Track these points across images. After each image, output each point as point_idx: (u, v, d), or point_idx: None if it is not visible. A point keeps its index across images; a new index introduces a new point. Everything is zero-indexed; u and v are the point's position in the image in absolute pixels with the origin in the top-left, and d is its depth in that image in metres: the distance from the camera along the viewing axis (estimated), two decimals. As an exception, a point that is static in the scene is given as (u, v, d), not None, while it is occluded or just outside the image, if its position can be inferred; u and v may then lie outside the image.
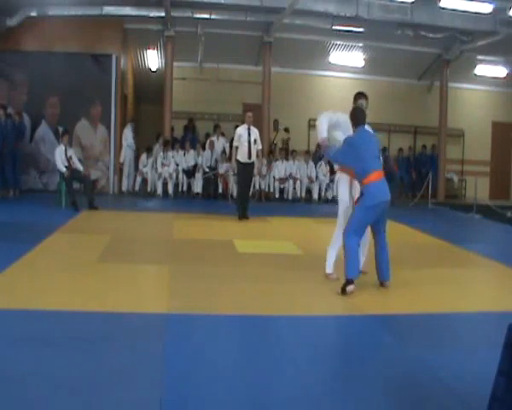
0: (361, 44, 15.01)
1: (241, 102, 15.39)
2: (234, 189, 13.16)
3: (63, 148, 10.50)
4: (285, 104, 15.32)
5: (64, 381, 3.08)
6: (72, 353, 3.50)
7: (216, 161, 13.56)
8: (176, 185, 13.57)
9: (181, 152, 13.64)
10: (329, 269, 5.61)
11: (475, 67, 16.05)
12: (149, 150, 13.55)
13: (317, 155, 14.75)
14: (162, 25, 13.58)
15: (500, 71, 16.11)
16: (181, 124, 15.12)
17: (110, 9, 12.63)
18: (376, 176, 5.12)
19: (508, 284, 5.92)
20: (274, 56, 14.44)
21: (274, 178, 13.78)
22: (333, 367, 3.62)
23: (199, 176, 13.45)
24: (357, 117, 5.31)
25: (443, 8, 12.85)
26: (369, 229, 5.42)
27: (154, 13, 13.06)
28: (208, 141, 13.86)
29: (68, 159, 10.44)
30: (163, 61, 14.96)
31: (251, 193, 11.23)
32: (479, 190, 12.84)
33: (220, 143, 13.87)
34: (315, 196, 13.99)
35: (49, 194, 12.00)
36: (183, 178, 13.61)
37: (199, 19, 13.17)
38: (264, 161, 12.90)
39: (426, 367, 3.49)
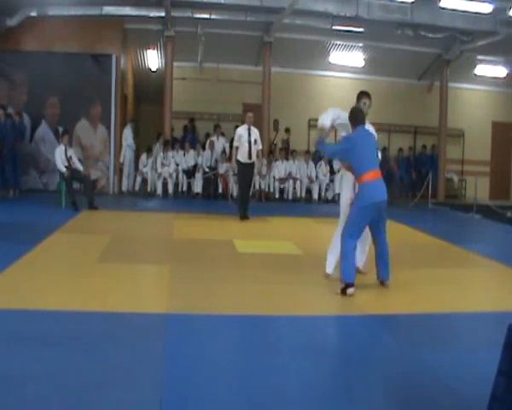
0: (361, 44, 15.00)
1: (241, 102, 15.40)
2: (234, 189, 13.17)
3: (63, 148, 10.50)
4: (285, 104, 15.32)
5: (64, 381, 3.08)
6: (72, 353, 3.50)
7: (216, 161, 13.56)
8: (176, 185, 13.57)
9: (181, 152, 13.64)
10: (329, 269, 5.61)
11: (475, 67, 16.05)
12: (149, 150, 13.56)
13: (317, 154, 14.75)
14: (162, 25, 13.58)
15: (500, 71, 16.11)
16: (181, 124, 15.12)
17: (110, 9, 12.62)
18: (372, 175, 5.11)
19: (508, 284, 5.92)
20: (274, 56, 14.44)
21: (274, 178, 13.78)
22: (333, 367, 3.62)
23: (199, 176, 13.45)
24: (356, 117, 5.32)
25: (443, 8, 12.85)
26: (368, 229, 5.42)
27: (154, 13, 13.06)
28: (208, 141, 13.86)
29: (68, 159, 10.44)
30: (163, 61, 14.96)
31: (251, 193, 11.22)
32: (479, 190, 12.84)
33: (220, 143, 13.87)
34: (315, 196, 13.99)
35: (49, 194, 12.00)
36: (183, 178, 13.62)
37: (199, 19, 13.17)
38: (264, 161, 12.90)
39: (426, 367, 3.49)
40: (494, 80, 16.54)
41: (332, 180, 14.04)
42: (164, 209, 11.29)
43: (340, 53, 15.44)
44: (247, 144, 9.63)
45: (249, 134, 9.68)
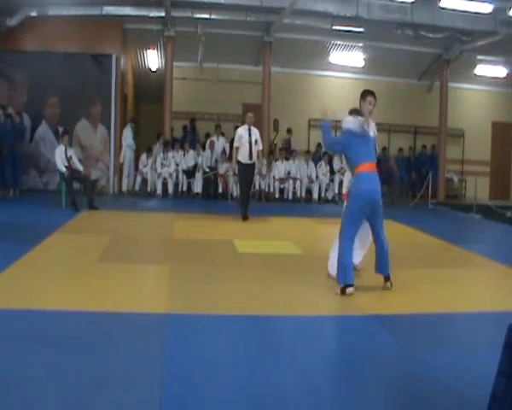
0: (361, 44, 15.01)
1: (241, 102, 15.40)
2: (234, 189, 13.17)
3: (63, 148, 10.50)
4: (285, 104, 15.32)
5: (64, 381, 3.09)
6: (72, 353, 3.50)
7: (216, 161, 13.56)
8: (176, 185, 13.57)
9: (181, 152, 13.63)
10: (332, 270, 5.59)
11: (475, 67, 16.05)
12: (149, 150, 13.55)
13: (317, 154, 14.76)
14: (162, 25, 13.59)
15: (500, 71, 16.11)
16: (181, 124, 15.11)
17: (110, 9, 12.63)
18: (367, 167, 5.14)
19: (508, 284, 5.92)
20: (274, 56, 14.44)
21: (274, 178, 13.78)
22: (333, 367, 3.62)
23: (199, 176, 13.45)
24: (357, 114, 5.39)
25: (443, 8, 12.85)
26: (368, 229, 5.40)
27: (154, 13, 13.06)
28: (208, 141, 13.86)
29: (68, 159, 10.43)
30: (163, 61, 14.97)
31: (251, 193, 11.22)
32: (479, 190, 12.84)
33: (220, 143, 13.87)
34: (315, 196, 13.99)
35: (49, 194, 12.00)
36: (183, 178, 13.62)
37: (199, 19, 13.17)
38: (264, 161, 12.90)
39: (426, 367, 3.49)
40: (494, 80, 16.54)
41: (332, 180, 14.04)
42: (164, 209, 11.29)
43: (340, 53, 15.44)
44: (247, 145, 9.62)
45: (250, 134, 9.67)
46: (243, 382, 3.22)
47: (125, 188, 13.51)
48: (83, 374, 3.19)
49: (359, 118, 5.32)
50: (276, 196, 13.82)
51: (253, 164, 9.81)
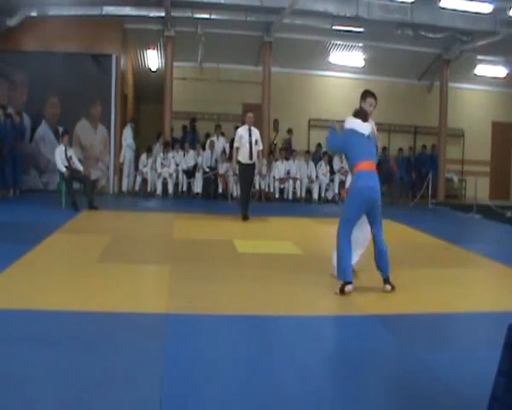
0: (361, 44, 15.01)
1: (241, 102, 15.40)
2: (234, 189, 13.18)
3: (63, 148, 10.50)
4: (285, 104, 15.32)
5: (64, 381, 3.09)
6: (72, 353, 3.50)
7: (216, 161, 13.56)
8: (176, 185, 13.57)
9: (181, 152, 13.63)
10: (335, 270, 5.56)
11: (475, 67, 16.05)
12: (149, 150, 13.56)
13: (317, 154, 14.76)
14: (162, 25, 13.59)
15: (500, 71, 16.11)
16: (181, 124, 15.11)
17: (110, 9, 12.63)
18: (366, 165, 5.14)
19: (508, 284, 5.92)
20: (274, 56, 14.44)
21: (274, 178, 13.78)
22: (333, 367, 3.62)
23: (199, 176, 13.45)
24: (359, 115, 5.38)
25: (443, 8, 12.85)
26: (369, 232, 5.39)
27: (154, 13, 13.06)
28: (208, 141, 13.86)
29: (68, 159, 10.43)
30: (163, 61, 14.97)
31: (251, 193, 11.22)
32: (479, 190, 12.84)
33: (220, 143, 13.87)
34: (315, 196, 13.98)
35: (49, 194, 12.00)
36: (183, 178, 13.61)
37: (199, 19, 13.17)
38: (264, 162, 12.89)
39: (426, 367, 3.49)
40: (494, 80, 16.54)
41: (332, 180, 14.04)
42: (164, 209, 11.29)
43: (340, 53, 15.44)
44: (247, 145, 9.62)
45: (250, 135, 9.66)
46: (243, 382, 3.22)
47: (125, 188, 13.51)
48: (83, 374, 3.19)
49: (367, 126, 5.30)
50: (276, 196, 13.82)
51: (254, 164, 9.81)
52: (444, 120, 15.38)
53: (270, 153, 14.14)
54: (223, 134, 14.13)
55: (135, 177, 13.61)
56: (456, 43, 14.47)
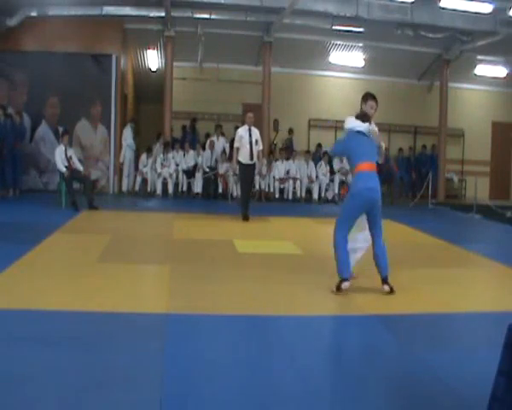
0: (361, 44, 15.01)
1: (241, 102, 15.40)
2: (234, 189, 13.17)
3: (63, 148, 10.50)
4: (285, 104, 15.32)
5: (64, 381, 3.09)
6: (72, 353, 3.50)
7: (216, 161, 13.56)
8: (176, 185, 13.57)
9: (181, 152, 13.63)
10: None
11: (475, 67, 16.05)
12: (149, 150, 13.55)
13: (317, 154, 14.76)
14: (162, 25, 13.59)
15: (500, 71, 16.11)
16: (181, 124, 15.11)
17: (110, 9, 12.63)
18: (366, 166, 5.14)
19: (508, 284, 5.92)
20: (274, 56, 14.44)
21: (274, 178, 13.78)
22: (333, 367, 3.62)
23: (199, 176, 13.45)
24: (361, 118, 5.39)
25: (443, 8, 12.85)
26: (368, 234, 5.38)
27: (154, 13, 13.06)
28: (208, 141, 13.86)
29: (68, 159, 10.43)
30: (163, 61, 14.97)
31: (251, 193, 11.22)
32: (479, 190, 12.84)
33: (220, 143, 13.87)
34: (315, 196, 13.98)
35: (49, 194, 12.00)
36: (183, 178, 13.61)
37: (199, 19, 13.17)
38: (264, 162, 12.89)
39: (426, 367, 3.49)
40: (494, 80, 16.54)
41: (332, 180, 14.04)
42: (164, 209, 11.29)
43: (340, 53, 15.44)
44: (248, 145, 9.61)
45: (250, 135, 9.66)
46: (243, 382, 3.22)
47: (125, 188, 13.51)
48: (83, 374, 3.19)
49: (365, 125, 5.30)
50: (276, 196, 13.82)
51: (254, 164, 9.81)
52: (444, 120, 15.38)
53: (270, 153, 14.14)
54: (223, 134, 14.13)
55: (135, 177, 13.61)
56: (456, 43, 14.47)
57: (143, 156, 13.53)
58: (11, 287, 4.91)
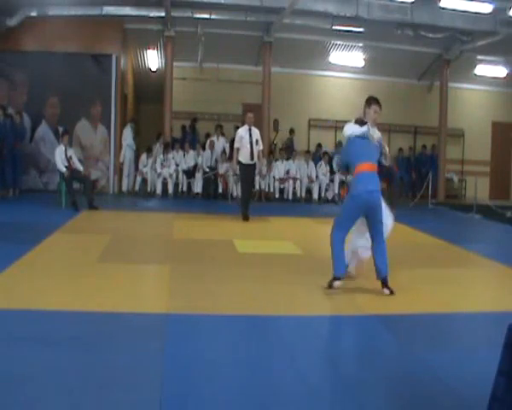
0: (361, 44, 15.00)
1: (241, 102, 15.40)
2: (234, 189, 13.17)
3: (63, 148, 10.50)
4: (285, 104, 15.32)
5: (64, 381, 3.09)
6: (72, 353, 3.50)
7: (216, 161, 13.56)
8: (176, 185, 13.56)
9: (181, 152, 13.63)
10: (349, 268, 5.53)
11: (475, 67, 16.05)
12: (149, 150, 13.55)
13: (317, 154, 14.76)
14: (162, 25, 13.58)
15: (500, 71, 16.11)
16: (181, 124, 15.11)
17: (110, 9, 12.62)
18: (365, 167, 5.12)
19: (508, 284, 5.92)
20: (274, 56, 14.44)
21: (274, 178, 13.78)
22: (333, 367, 3.62)
23: (199, 176, 13.45)
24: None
25: (443, 8, 12.85)
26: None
27: (154, 13, 13.06)
28: (208, 141, 13.86)
29: (68, 159, 10.43)
30: (163, 61, 14.96)
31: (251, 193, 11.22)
32: (479, 190, 12.84)
33: (220, 143, 13.86)
34: (315, 196, 13.98)
35: (49, 194, 12.00)
36: (183, 178, 13.61)
37: (199, 19, 13.17)
38: (264, 162, 12.89)
39: (426, 367, 3.49)
40: (494, 80, 16.54)
41: (332, 180, 14.04)
42: (164, 209, 11.29)
43: (340, 53, 15.44)
44: (248, 146, 9.61)
45: (250, 135, 9.66)
46: (243, 382, 3.22)
47: (125, 188, 13.51)
48: (83, 374, 3.19)
49: (363, 128, 5.29)
50: (276, 196, 13.82)
51: (254, 164, 9.81)
52: (444, 120, 15.38)
53: (270, 153, 14.14)
54: (223, 134, 14.13)
55: (135, 177, 13.61)
56: (456, 43, 14.47)
57: (143, 156, 13.53)
58: (11, 287, 4.92)
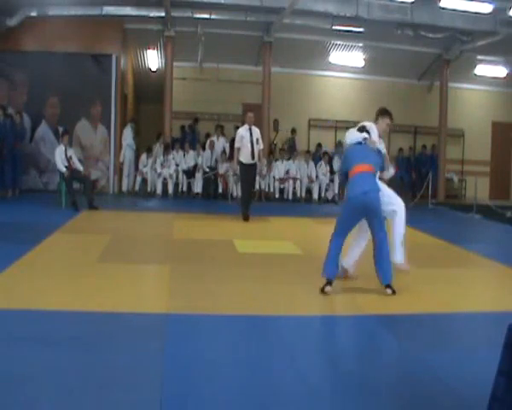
0: (361, 44, 15.00)
1: (241, 102, 15.40)
2: (234, 189, 13.17)
3: (63, 148, 10.50)
4: (285, 104, 15.32)
5: (64, 381, 3.09)
6: (72, 353, 3.50)
7: (216, 161, 13.56)
8: (176, 185, 13.56)
9: (181, 153, 13.63)
10: (347, 264, 5.53)
11: (475, 67, 16.05)
12: (149, 150, 13.55)
13: (317, 154, 14.76)
14: (162, 25, 13.58)
15: (500, 71, 16.11)
16: (181, 124, 15.11)
17: (110, 9, 12.62)
18: (360, 168, 5.09)
19: (508, 284, 5.93)
20: (274, 56, 14.44)
21: (274, 178, 13.78)
22: (333, 367, 3.62)
23: (199, 176, 13.45)
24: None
25: (443, 8, 12.85)
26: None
27: (154, 13, 13.06)
28: (208, 141, 13.86)
29: (68, 159, 10.44)
30: (163, 61, 14.96)
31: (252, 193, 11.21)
32: (479, 190, 12.84)
33: (220, 143, 13.86)
34: (315, 196, 13.98)
35: (49, 194, 12.00)
36: (183, 178, 13.61)
37: (199, 19, 13.17)
38: (264, 161, 12.89)
39: (426, 367, 3.49)
40: (494, 80, 16.54)
41: (332, 180, 14.04)
42: (164, 209, 11.29)
43: (340, 53, 15.44)
44: (249, 145, 9.60)
45: (251, 134, 9.65)
46: (243, 382, 3.22)
47: (125, 188, 13.51)
48: (83, 374, 3.19)
49: (362, 134, 5.28)
50: (276, 196, 13.82)
51: (255, 164, 9.79)
52: (444, 120, 15.38)
53: (270, 153, 14.14)
54: (223, 134, 14.14)
55: (135, 177, 13.61)
56: (456, 43, 14.47)
57: (143, 156, 13.53)
58: (11, 287, 4.92)
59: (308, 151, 14.90)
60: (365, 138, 5.27)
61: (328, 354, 3.84)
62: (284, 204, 13.32)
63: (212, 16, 13.03)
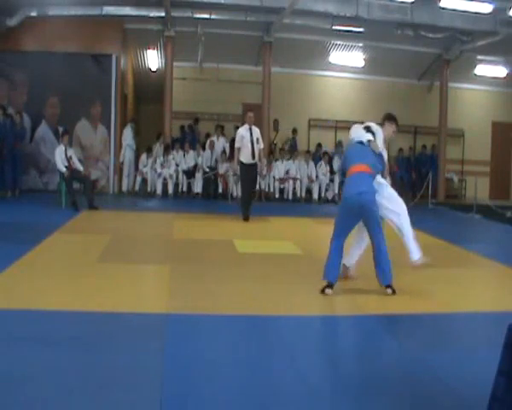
0: (361, 44, 15.00)
1: (241, 102, 15.40)
2: (234, 189, 13.17)
3: (63, 148, 10.50)
4: (285, 104, 15.32)
5: (64, 381, 3.09)
6: (72, 353, 3.50)
7: (216, 161, 13.56)
8: (176, 185, 13.56)
9: (181, 153, 13.63)
10: (348, 262, 5.52)
11: (475, 67, 16.05)
12: (149, 150, 13.56)
13: (317, 154, 14.76)
14: (162, 25, 13.58)
15: (500, 71, 16.11)
16: (182, 124, 15.11)
17: (110, 9, 12.62)
18: (357, 168, 5.06)
19: (508, 284, 5.93)
20: (274, 56, 14.43)
21: (274, 178, 13.78)
22: (333, 367, 3.62)
23: (199, 176, 13.45)
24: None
25: (443, 8, 12.85)
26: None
27: (154, 13, 13.06)
28: (208, 141, 13.86)
29: (68, 159, 10.44)
30: (163, 61, 14.96)
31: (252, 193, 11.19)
32: (479, 190, 12.84)
33: (220, 143, 13.86)
34: (315, 196, 13.99)
35: (49, 194, 12.00)
36: (183, 178, 13.61)
37: (199, 19, 13.17)
38: (264, 161, 12.88)
39: (426, 367, 3.49)
40: (494, 80, 16.54)
41: (332, 180, 14.05)
42: (164, 209, 11.29)
43: (340, 53, 15.43)
44: (249, 145, 9.59)
45: (251, 134, 9.65)
46: (243, 382, 3.22)
47: (125, 188, 13.51)
48: (83, 374, 3.19)
49: (367, 135, 5.25)
50: (276, 196, 13.82)
51: (256, 164, 9.78)
52: (444, 120, 15.38)
53: (271, 153, 14.14)
54: (223, 134, 14.14)
55: (135, 177, 13.61)
56: (456, 43, 14.47)
57: (143, 156, 13.53)
58: (11, 287, 4.92)
59: (308, 151, 14.91)
60: (369, 140, 5.23)
61: (328, 354, 3.84)
62: (284, 204, 13.32)
63: (212, 16, 13.03)
